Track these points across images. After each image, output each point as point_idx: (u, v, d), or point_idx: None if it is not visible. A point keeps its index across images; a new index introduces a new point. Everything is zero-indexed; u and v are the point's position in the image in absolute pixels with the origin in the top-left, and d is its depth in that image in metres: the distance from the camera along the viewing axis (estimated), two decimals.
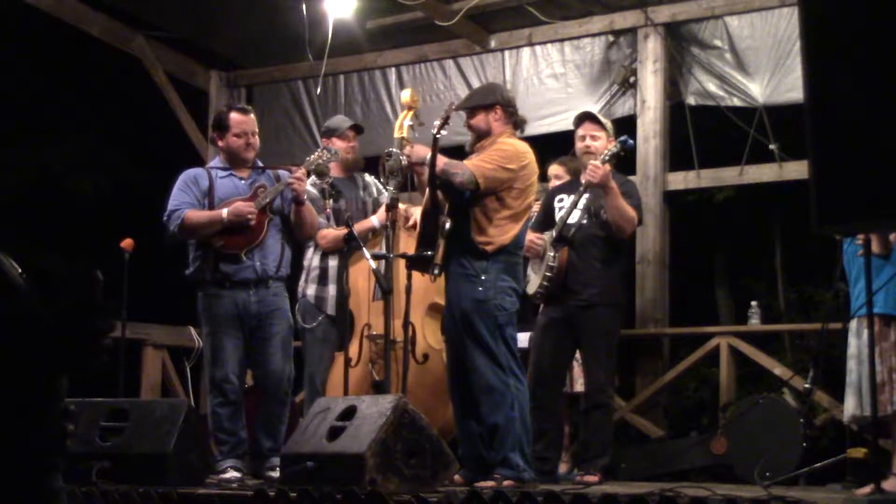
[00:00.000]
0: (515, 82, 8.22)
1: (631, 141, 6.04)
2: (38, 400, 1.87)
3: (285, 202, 5.76)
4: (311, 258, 6.28)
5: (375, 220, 6.26)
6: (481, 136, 5.54)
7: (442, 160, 5.34)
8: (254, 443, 5.72)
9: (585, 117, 6.19)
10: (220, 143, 5.83)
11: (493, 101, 5.54)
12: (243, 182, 5.79)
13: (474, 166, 5.33)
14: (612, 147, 5.86)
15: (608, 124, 6.22)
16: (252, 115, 5.90)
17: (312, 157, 5.92)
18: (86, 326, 1.83)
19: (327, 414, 5.00)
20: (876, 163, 4.14)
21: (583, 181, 5.90)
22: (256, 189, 5.73)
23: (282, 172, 5.82)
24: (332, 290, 6.20)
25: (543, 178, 6.70)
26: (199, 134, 9.09)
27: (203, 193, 5.73)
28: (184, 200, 5.70)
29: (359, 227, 6.03)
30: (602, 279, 5.98)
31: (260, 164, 5.95)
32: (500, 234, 5.34)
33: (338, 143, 6.39)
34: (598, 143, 6.06)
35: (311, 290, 6.23)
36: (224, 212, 5.62)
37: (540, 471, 5.69)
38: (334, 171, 6.22)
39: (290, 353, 5.82)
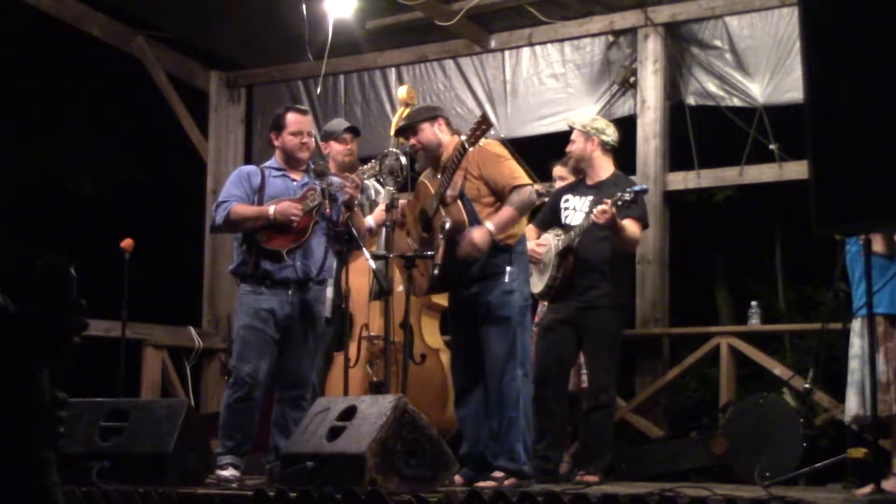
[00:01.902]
0: (515, 82, 8.22)
1: (645, 187, 6.14)
2: (18, 394, 1.86)
3: (335, 207, 5.74)
4: None
5: (371, 219, 6.25)
6: (431, 149, 5.52)
7: (506, 213, 5.35)
8: (273, 444, 5.71)
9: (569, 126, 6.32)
10: (276, 143, 5.87)
11: (435, 114, 5.59)
12: (295, 183, 5.80)
13: (518, 180, 5.38)
14: (626, 195, 5.83)
15: (592, 125, 6.23)
16: (309, 117, 5.94)
17: (367, 166, 5.94)
18: (56, 323, 1.82)
19: (327, 414, 5.00)
20: (876, 163, 4.14)
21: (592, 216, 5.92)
22: (306, 192, 5.73)
23: (333, 178, 5.81)
24: (328, 292, 6.18)
25: (548, 177, 6.72)
26: (199, 134, 9.09)
27: (254, 190, 5.75)
28: (233, 193, 5.73)
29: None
30: (606, 281, 5.99)
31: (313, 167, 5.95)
32: (517, 227, 5.46)
33: (335, 147, 6.38)
34: (573, 147, 6.22)
35: None
36: (271, 209, 5.62)
37: (541, 470, 5.71)
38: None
39: (314, 358, 5.81)
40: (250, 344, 5.63)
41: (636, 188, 5.95)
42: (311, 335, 5.74)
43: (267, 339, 5.64)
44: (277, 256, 5.63)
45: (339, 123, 6.63)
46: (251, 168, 5.95)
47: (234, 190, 5.75)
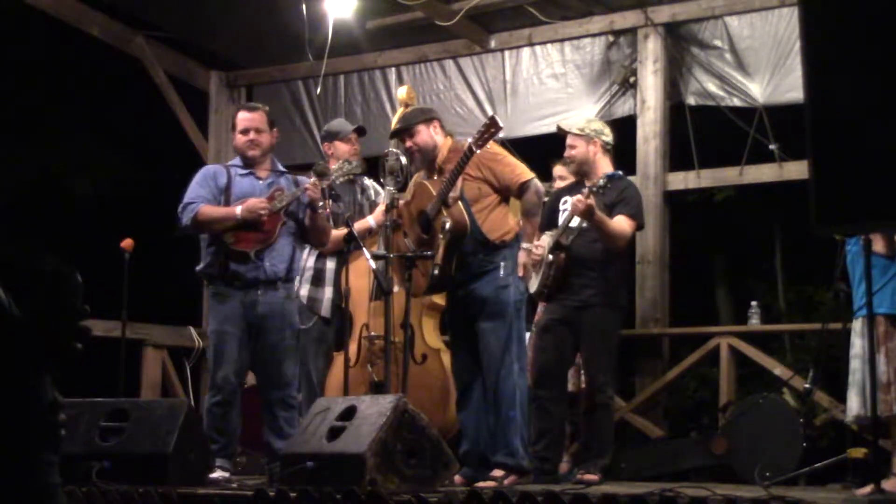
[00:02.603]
0: (515, 82, 8.22)
1: (620, 173, 6.07)
2: (20, 396, 1.86)
3: (301, 207, 5.76)
4: (306, 259, 6.24)
5: (372, 220, 6.25)
6: (427, 151, 5.56)
7: (529, 228, 5.58)
8: (267, 446, 5.72)
9: (560, 131, 6.22)
10: (233, 143, 5.88)
11: (430, 116, 5.63)
12: (261, 182, 5.79)
13: (523, 175, 5.50)
14: (600, 181, 5.80)
15: (589, 127, 6.17)
16: (258, 113, 5.84)
17: (334, 167, 5.92)
18: (61, 328, 1.82)
19: (327, 414, 5.00)
20: (876, 163, 4.14)
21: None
22: (273, 192, 5.72)
23: (300, 178, 5.80)
24: (327, 292, 6.16)
25: (548, 177, 6.71)
26: (199, 134, 9.09)
27: (220, 190, 5.72)
28: (200, 194, 5.70)
29: (356, 227, 6.02)
30: (601, 280, 5.98)
31: (280, 167, 5.94)
32: (511, 225, 5.55)
33: (341, 147, 6.36)
34: (575, 152, 6.11)
35: (304, 291, 6.19)
36: (238, 209, 5.61)
37: (540, 471, 5.71)
38: None
39: (295, 356, 5.81)
40: (222, 348, 5.63)
41: (609, 173, 5.92)
42: (288, 333, 5.73)
43: (239, 341, 5.63)
44: (245, 258, 5.62)
45: (342, 124, 6.61)
46: (217, 167, 5.90)
47: (199, 191, 5.71)
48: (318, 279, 6.18)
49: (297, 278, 6.17)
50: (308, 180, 5.70)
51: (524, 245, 5.52)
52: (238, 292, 5.63)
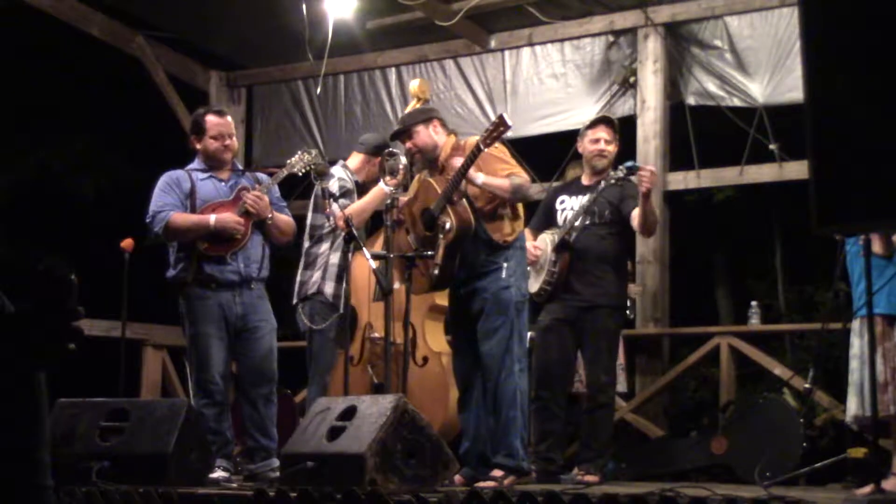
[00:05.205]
0: (515, 82, 8.22)
1: (638, 165, 6.04)
2: (11, 395, 1.86)
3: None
4: (329, 255, 6.16)
5: (385, 185, 6.02)
6: (427, 151, 5.56)
7: (498, 180, 5.41)
8: (254, 445, 5.71)
9: (603, 121, 6.16)
10: (198, 146, 5.83)
11: (429, 116, 5.61)
12: (224, 184, 5.79)
13: (505, 169, 5.43)
14: (620, 171, 5.84)
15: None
16: (228, 118, 5.88)
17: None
18: (53, 328, 1.81)
19: (327, 414, 4.99)
20: (876, 163, 4.14)
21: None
22: (239, 191, 5.73)
23: (261, 175, 5.83)
24: (329, 287, 6.14)
25: (548, 177, 6.71)
26: None
27: (185, 195, 5.72)
28: (168, 202, 5.69)
29: (370, 201, 5.93)
30: (606, 280, 5.98)
31: (239, 166, 5.96)
32: (515, 225, 5.52)
33: (376, 164, 6.26)
34: (611, 147, 6.06)
35: (329, 289, 6.09)
36: (212, 219, 5.60)
37: (544, 471, 5.73)
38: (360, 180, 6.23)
39: (275, 353, 5.82)
40: (205, 351, 5.63)
41: (628, 164, 5.93)
42: (266, 333, 5.74)
43: (219, 343, 5.64)
44: (220, 260, 5.63)
45: (385, 141, 6.47)
46: (179, 173, 5.85)
47: (166, 199, 5.70)
48: (342, 276, 6.11)
49: (320, 275, 6.12)
50: (268, 178, 5.73)
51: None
52: (214, 294, 5.64)
